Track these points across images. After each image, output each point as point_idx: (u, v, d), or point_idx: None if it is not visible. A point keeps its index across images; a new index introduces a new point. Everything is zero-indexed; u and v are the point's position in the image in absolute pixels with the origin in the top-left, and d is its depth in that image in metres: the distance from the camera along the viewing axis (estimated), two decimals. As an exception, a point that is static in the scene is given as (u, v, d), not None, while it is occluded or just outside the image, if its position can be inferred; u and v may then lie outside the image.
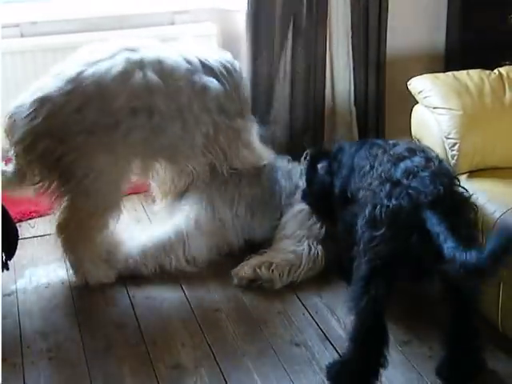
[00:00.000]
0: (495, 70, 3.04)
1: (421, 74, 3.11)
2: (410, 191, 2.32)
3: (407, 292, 2.92)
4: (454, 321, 2.47)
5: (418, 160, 2.45)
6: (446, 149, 2.86)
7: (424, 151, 2.55)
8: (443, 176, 2.40)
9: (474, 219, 2.50)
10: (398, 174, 2.40)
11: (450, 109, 2.88)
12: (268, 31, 3.68)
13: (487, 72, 3.03)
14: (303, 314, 2.88)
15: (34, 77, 3.81)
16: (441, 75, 3.08)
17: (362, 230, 2.42)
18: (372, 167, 2.57)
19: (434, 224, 2.19)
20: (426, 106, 3.02)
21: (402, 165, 2.43)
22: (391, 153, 2.55)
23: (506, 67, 3.06)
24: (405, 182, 2.36)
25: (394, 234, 2.31)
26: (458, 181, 2.51)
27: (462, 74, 3.02)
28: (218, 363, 2.61)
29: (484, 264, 2.02)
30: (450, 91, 2.94)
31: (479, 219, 2.65)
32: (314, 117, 3.87)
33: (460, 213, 2.35)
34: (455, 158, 2.83)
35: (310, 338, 2.73)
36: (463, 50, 3.89)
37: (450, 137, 2.85)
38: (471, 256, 2.03)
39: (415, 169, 2.40)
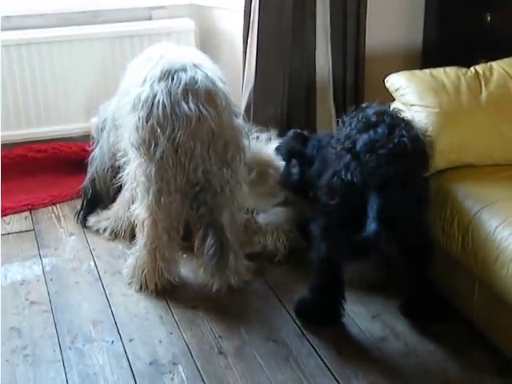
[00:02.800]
0: (471, 68, 3.05)
1: (398, 71, 3.12)
2: (364, 169, 2.50)
3: (383, 288, 2.96)
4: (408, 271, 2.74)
5: (381, 131, 2.58)
6: (422, 146, 2.87)
7: (393, 117, 2.69)
8: (399, 155, 2.55)
9: (427, 193, 2.69)
10: (359, 145, 2.56)
11: (426, 106, 2.89)
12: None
13: (464, 70, 3.03)
14: (280, 311, 2.88)
15: (8, 72, 3.81)
16: (418, 72, 3.08)
17: (320, 192, 2.67)
18: (343, 123, 2.76)
19: (371, 209, 2.41)
20: (402, 104, 3.02)
21: (366, 135, 2.58)
22: (360, 116, 2.70)
23: (482, 65, 3.07)
24: (362, 157, 2.52)
25: (344, 206, 2.54)
26: (416, 157, 2.64)
27: (439, 72, 3.03)
28: (194, 360, 2.60)
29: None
30: (426, 89, 2.94)
31: (455, 216, 2.68)
32: (297, 112, 3.88)
33: (411, 189, 2.54)
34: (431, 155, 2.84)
35: (288, 335, 2.73)
36: (440, 47, 3.91)
37: (426, 134, 2.86)
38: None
39: (375, 143, 2.54)
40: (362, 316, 2.83)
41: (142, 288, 3.01)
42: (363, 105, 2.83)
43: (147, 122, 2.77)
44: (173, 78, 2.78)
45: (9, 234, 3.46)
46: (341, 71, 3.88)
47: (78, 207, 3.59)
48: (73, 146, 3.92)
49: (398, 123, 2.65)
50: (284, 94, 3.81)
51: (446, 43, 3.87)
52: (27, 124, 3.93)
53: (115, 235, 3.40)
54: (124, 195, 3.29)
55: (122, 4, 4.05)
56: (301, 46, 3.78)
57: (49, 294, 2.99)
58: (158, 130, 2.75)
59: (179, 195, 2.86)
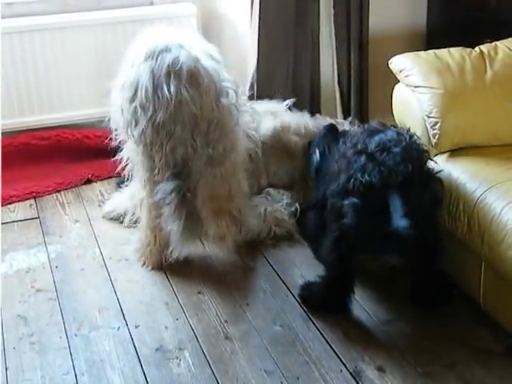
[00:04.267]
0: (476, 48, 3.03)
1: (402, 53, 3.09)
2: (382, 168, 2.48)
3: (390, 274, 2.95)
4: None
5: (390, 134, 2.62)
6: (427, 128, 2.85)
7: (394, 126, 2.76)
8: (413, 152, 2.59)
9: (441, 192, 2.68)
10: (373, 146, 2.56)
11: (431, 87, 2.87)
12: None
13: (468, 50, 3.01)
14: (286, 296, 2.87)
15: (10, 59, 3.79)
16: (422, 53, 3.06)
17: (335, 198, 2.61)
18: (345, 141, 2.76)
19: (395, 207, 2.40)
20: (407, 85, 3.00)
21: (377, 138, 2.60)
22: (365, 127, 2.76)
23: (487, 45, 3.04)
24: (378, 156, 2.52)
25: (363, 208, 2.48)
26: (428, 154, 2.72)
27: (444, 53, 3.01)
28: (201, 345, 2.60)
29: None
30: (431, 70, 2.92)
31: (461, 198, 2.66)
32: (301, 96, 3.86)
33: (426, 188, 2.57)
34: (436, 136, 2.82)
35: (293, 319, 2.73)
36: (444, 28, 3.88)
37: (431, 116, 2.84)
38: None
39: (388, 143, 2.56)
40: (368, 299, 2.82)
41: (149, 265, 3.05)
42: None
43: (130, 104, 2.80)
44: (156, 60, 2.79)
45: (14, 222, 3.46)
46: (345, 54, 3.86)
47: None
48: (76, 133, 3.91)
49: (402, 130, 2.71)
50: (288, 79, 3.78)
51: (450, 24, 3.83)
52: (30, 112, 3.91)
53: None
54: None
55: (123, -11, 4.02)
56: (304, 29, 3.75)
57: (54, 282, 2.99)
58: (140, 111, 2.78)
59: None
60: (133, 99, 2.80)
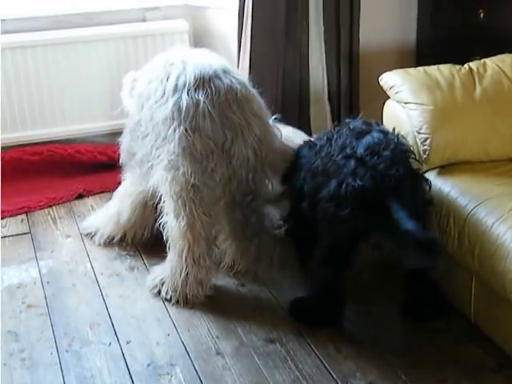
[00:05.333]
0: (465, 65, 3.06)
1: (392, 69, 3.12)
2: (374, 173, 2.46)
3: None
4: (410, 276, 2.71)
5: (377, 135, 2.60)
6: (417, 143, 2.87)
7: (378, 124, 2.73)
8: (402, 154, 2.59)
9: (429, 192, 2.70)
10: (362, 150, 2.54)
11: (421, 104, 2.89)
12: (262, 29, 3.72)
13: (457, 67, 3.04)
14: (277, 311, 2.87)
15: (2, 75, 3.81)
16: (412, 70, 3.09)
17: (326, 204, 2.54)
18: (329, 139, 2.72)
19: (398, 210, 2.37)
20: (397, 101, 3.03)
21: (364, 140, 2.58)
22: (350, 126, 2.70)
23: (476, 62, 3.08)
24: (368, 161, 2.49)
25: (358, 215, 2.46)
26: (414, 154, 2.72)
27: (433, 69, 3.04)
28: (192, 361, 2.60)
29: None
30: (421, 86, 2.94)
31: (451, 213, 2.67)
32: (290, 111, 3.88)
33: (416, 187, 2.59)
34: (427, 152, 2.84)
35: (285, 335, 2.73)
36: (434, 44, 3.91)
37: (421, 132, 2.86)
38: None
39: (377, 147, 2.54)
40: (359, 315, 2.83)
41: (188, 300, 2.92)
42: (346, 120, 2.85)
43: (194, 133, 2.74)
44: (210, 87, 2.77)
45: (5, 237, 3.45)
46: (335, 70, 3.89)
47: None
48: (68, 148, 3.92)
49: (386, 129, 2.71)
50: (277, 95, 3.81)
51: (439, 41, 3.87)
52: (22, 127, 3.92)
53: (108, 238, 3.35)
54: (119, 191, 3.30)
55: (115, 6, 4.04)
56: (294, 46, 3.79)
57: (45, 297, 2.99)
58: (211, 143, 2.75)
59: (223, 204, 2.92)
60: (195, 129, 2.73)
